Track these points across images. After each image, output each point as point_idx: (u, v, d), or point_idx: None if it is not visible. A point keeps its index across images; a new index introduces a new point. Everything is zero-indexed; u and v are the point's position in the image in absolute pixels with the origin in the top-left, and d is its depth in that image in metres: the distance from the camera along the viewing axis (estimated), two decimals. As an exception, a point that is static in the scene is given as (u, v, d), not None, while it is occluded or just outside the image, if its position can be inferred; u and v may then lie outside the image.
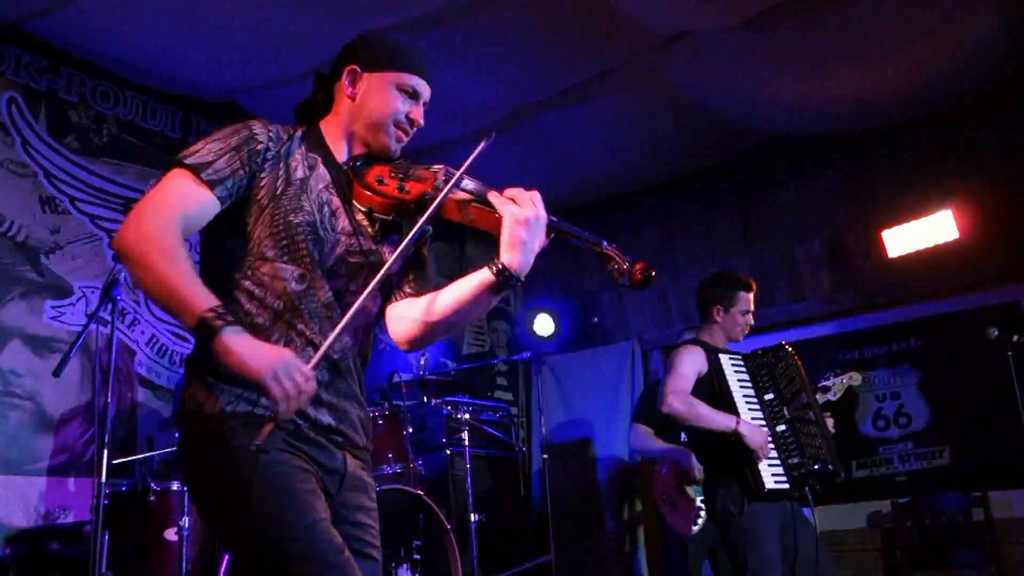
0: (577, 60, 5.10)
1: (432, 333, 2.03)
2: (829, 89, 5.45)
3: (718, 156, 6.66)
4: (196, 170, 1.80)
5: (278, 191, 1.87)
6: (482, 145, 1.94)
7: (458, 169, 1.93)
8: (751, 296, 3.93)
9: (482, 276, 1.90)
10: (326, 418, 1.86)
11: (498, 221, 1.88)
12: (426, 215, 1.87)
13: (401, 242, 1.90)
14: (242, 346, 1.63)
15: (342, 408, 1.91)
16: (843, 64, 5.17)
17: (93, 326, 3.77)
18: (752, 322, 3.96)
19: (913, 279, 5.81)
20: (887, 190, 6.04)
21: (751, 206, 6.68)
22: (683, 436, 4.87)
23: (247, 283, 1.85)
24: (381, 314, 2.07)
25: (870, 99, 5.54)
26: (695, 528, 4.69)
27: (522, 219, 1.86)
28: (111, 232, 4.92)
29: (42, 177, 4.71)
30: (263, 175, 1.88)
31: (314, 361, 1.70)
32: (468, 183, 1.95)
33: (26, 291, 4.52)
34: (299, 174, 1.92)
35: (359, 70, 2.00)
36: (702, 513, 4.63)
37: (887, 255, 5.81)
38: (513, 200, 1.89)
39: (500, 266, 1.87)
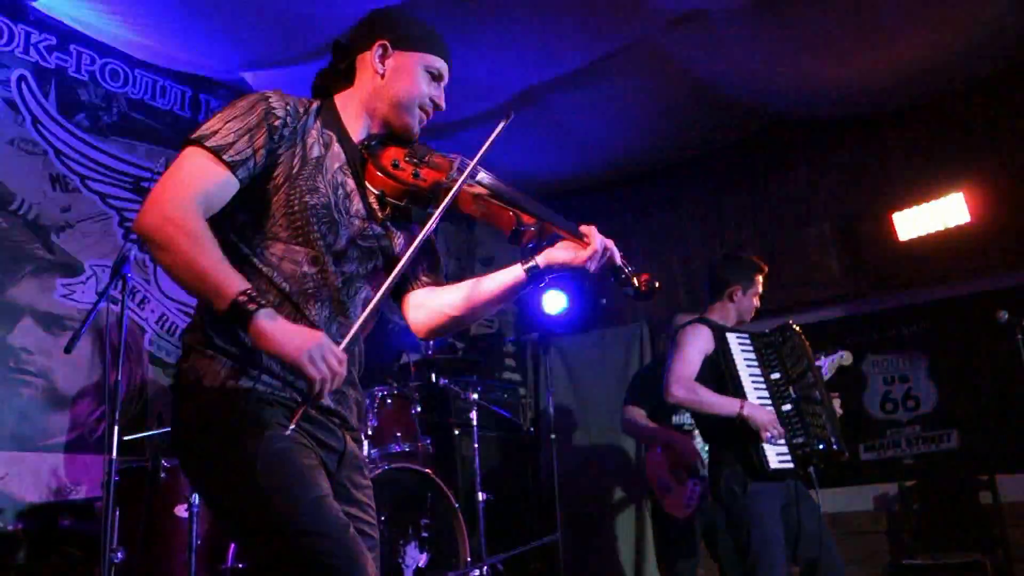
0: (587, 40, 5.07)
1: (455, 325, 2.06)
2: (840, 70, 5.41)
3: (728, 137, 6.63)
4: (217, 152, 1.75)
5: (294, 170, 1.84)
6: (498, 129, 1.91)
7: (474, 159, 1.91)
8: (762, 278, 3.99)
9: (515, 276, 1.97)
10: (326, 400, 1.85)
11: (510, 219, 1.92)
12: (442, 207, 1.85)
13: (416, 231, 1.92)
14: (277, 329, 1.63)
15: (341, 391, 1.90)
16: (854, 45, 5.13)
17: (103, 304, 3.79)
18: (759, 304, 4.00)
19: (923, 262, 5.78)
20: (898, 173, 6.01)
21: (761, 188, 6.65)
22: (675, 419, 4.89)
23: (256, 260, 1.82)
24: (393, 298, 2.06)
25: (881, 80, 5.50)
26: (688, 511, 4.69)
27: (596, 259, 1.93)
28: (121, 211, 4.93)
29: (52, 155, 4.72)
30: (280, 152, 1.83)
31: (344, 343, 1.71)
32: (484, 177, 1.94)
33: (37, 269, 4.54)
34: (315, 152, 1.88)
35: (389, 46, 1.97)
36: (696, 496, 4.65)
37: (897, 238, 5.78)
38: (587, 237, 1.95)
39: (536, 269, 1.95)
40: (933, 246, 5.69)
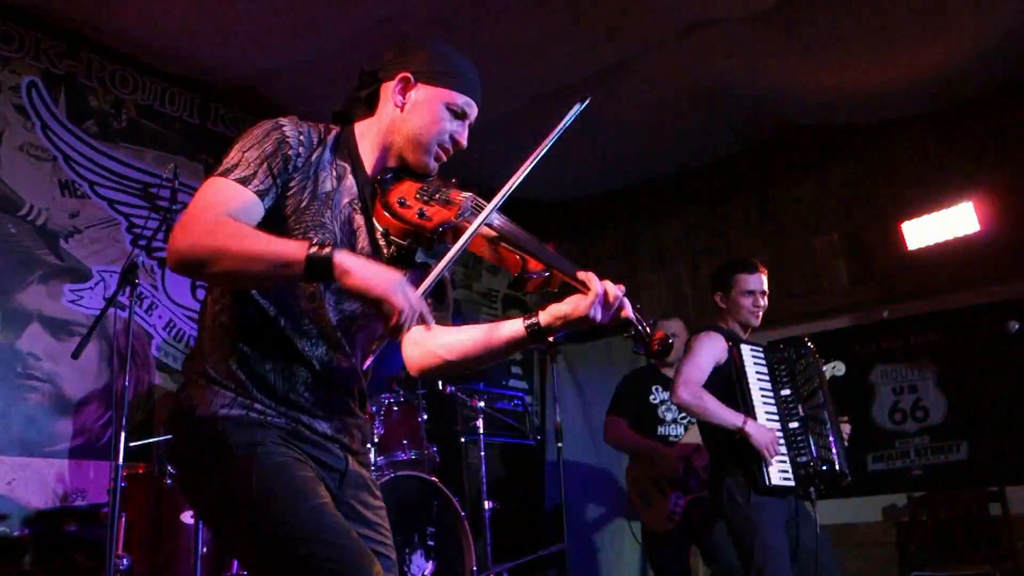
0: (595, 49, 5.07)
1: (449, 369, 1.98)
2: (849, 78, 5.40)
3: (736, 146, 6.61)
4: (242, 183, 1.71)
5: (302, 204, 1.79)
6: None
7: (486, 197, 1.84)
8: (752, 277, 3.82)
9: (515, 331, 1.88)
10: (323, 427, 1.84)
11: (517, 264, 1.82)
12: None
13: (423, 272, 1.84)
14: (359, 266, 1.60)
15: (337, 418, 1.88)
16: (863, 53, 5.12)
17: (111, 310, 3.79)
18: (761, 303, 3.83)
19: (932, 272, 5.76)
20: (907, 182, 5.99)
21: (769, 196, 6.64)
22: (659, 430, 4.86)
23: (255, 293, 1.79)
24: None
25: (891, 89, 5.49)
26: (670, 524, 4.64)
27: (598, 304, 1.81)
28: (129, 217, 4.94)
29: (61, 161, 4.73)
30: (292, 184, 1.79)
31: (423, 288, 1.69)
32: (496, 218, 1.85)
33: (45, 274, 4.55)
34: (326, 186, 1.83)
35: (412, 78, 1.90)
36: (679, 509, 4.61)
37: (906, 247, 5.77)
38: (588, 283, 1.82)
39: (536, 327, 1.86)
40: (942, 256, 5.67)
